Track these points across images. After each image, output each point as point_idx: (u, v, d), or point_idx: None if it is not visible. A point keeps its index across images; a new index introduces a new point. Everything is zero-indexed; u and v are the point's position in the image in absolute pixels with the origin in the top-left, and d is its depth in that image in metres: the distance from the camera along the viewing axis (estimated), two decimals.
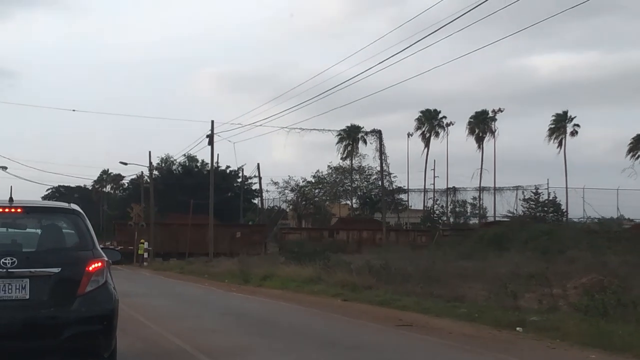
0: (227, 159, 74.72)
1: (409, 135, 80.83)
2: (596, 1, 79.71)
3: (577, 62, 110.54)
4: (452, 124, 79.99)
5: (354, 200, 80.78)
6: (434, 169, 78.93)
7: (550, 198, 60.74)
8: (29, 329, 8.29)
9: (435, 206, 78.29)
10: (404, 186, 79.82)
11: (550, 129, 76.20)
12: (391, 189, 76.00)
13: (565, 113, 75.64)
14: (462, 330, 15.45)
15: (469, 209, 79.59)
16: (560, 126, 75.54)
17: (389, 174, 74.61)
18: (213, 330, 15.19)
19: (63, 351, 8.31)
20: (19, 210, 9.29)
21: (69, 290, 8.51)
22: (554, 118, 76.28)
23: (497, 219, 68.60)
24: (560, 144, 75.45)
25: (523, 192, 65.48)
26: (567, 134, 75.45)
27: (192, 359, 11.47)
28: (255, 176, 75.95)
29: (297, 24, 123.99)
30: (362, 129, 77.19)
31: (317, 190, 79.40)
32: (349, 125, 77.74)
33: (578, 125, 75.60)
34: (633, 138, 73.96)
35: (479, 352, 12.94)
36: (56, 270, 8.51)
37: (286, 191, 78.19)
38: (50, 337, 8.28)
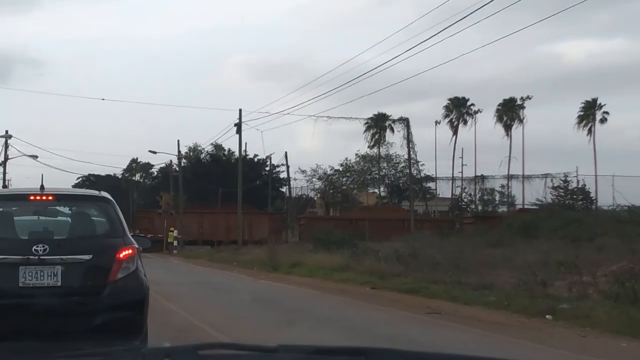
0: (254, 148, 74.65)
1: (437, 123, 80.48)
2: None
3: (606, 49, 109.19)
4: (480, 112, 79.48)
5: (381, 189, 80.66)
6: (462, 157, 78.41)
7: (580, 186, 60.18)
8: (61, 316, 8.38)
9: (464, 194, 78.01)
10: (432, 174, 79.51)
11: (579, 116, 75.41)
12: (419, 177, 75.63)
13: (595, 100, 74.85)
14: (491, 318, 15.41)
15: (497, 197, 79.14)
16: (589, 113, 74.73)
17: (417, 162, 74.29)
18: (242, 317, 15.28)
19: (94, 338, 8.38)
20: (50, 198, 9.39)
21: (100, 277, 8.59)
22: (583, 105, 75.47)
23: (525, 207, 68.09)
24: (589, 132, 74.73)
25: (552, 180, 64.67)
26: (597, 121, 74.75)
27: None
28: (283, 164, 75.98)
29: (324, 12, 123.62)
30: (390, 117, 76.93)
31: (344, 179, 79.31)
32: (376, 113, 77.52)
33: (607, 113, 74.83)
34: None
35: (508, 339, 12.90)
36: (87, 257, 8.59)
37: (314, 179, 78.22)
38: (81, 323, 8.35)
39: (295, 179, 78.07)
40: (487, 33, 74.95)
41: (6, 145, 61.33)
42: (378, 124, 77.66)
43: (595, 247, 27.72)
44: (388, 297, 19.90)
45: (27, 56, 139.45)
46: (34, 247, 8.44)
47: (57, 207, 9.94)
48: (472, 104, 79.63)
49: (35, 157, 59.97)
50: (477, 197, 78.05)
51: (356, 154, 79.29)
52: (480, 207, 75.15)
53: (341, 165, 78.45)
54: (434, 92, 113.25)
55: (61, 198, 9.76)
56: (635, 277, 16.10)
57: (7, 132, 60.89)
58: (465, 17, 25.78)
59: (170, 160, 66.99)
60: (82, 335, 8.29)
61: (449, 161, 79.21)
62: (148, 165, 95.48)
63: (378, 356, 3.04)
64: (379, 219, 56.72)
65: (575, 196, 57.20)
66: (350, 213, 66.97)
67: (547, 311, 15.23)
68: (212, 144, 72.69)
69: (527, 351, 12.12)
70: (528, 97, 76.99)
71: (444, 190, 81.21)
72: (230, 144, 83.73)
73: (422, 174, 77.55)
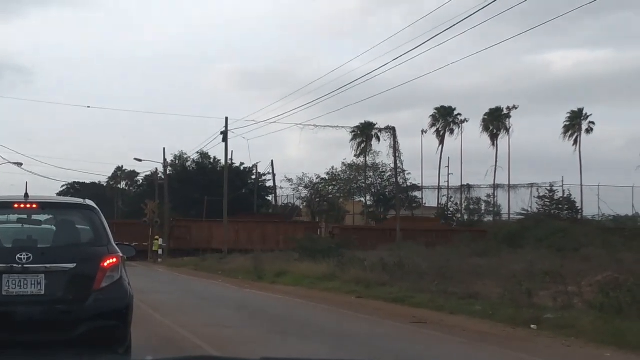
0: (241, 156, 74.71)
1: (423, 132, 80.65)
2: None
3: (592, 59, 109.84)
4: (467, 121, 79.68)
5: (367, 197, 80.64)
6: (448, 166, 78.64)
7: (565, 195, 60.49)
8: (44, 324, 8.32)
9: (449, 203, 78.14)
10: (418, 183, 79.55)
11: (565, 126, 75.68)
12: (405, 186, 75.67)
13: (581, 110, 75.14)
14: (476, 327, 15.42)
15: (483, 207, 79.29)
16: (575, 123, 75.02)
17: (403, 171, 74.31)
18: (227, 326, 15.21)
19: (78, 346, 8.32)
20: (34, 206, 9.34)
21: (84, 286, 8.54)
22: (569, 115, 75.76)
23: (511, 216, 68.28)
24: (575, 142, 75.00)
25: (538, 190, 64.99)
26: (583, 131, 75.04)
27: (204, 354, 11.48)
28: (269, 173, 76.08)
29: (311, 20, 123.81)
30: (376, 126, 76.90)
31: (331, 187, 79.25)
32: (363, 122, 77.50)
33: (593, 123, 75.13)
34: None
35: (493, 349, 12.91)
36: (71, 265, 8.54)
37: (300, 188, 78.14)
38: (65, 332, 8.29)
39: (281, 188, 78.20)
40: (474, 43, 75.32)
41: None
42: (364, 133, 77.70)
43: (580, 256, 27.82)
44: (373, 306, 19.89)
45: (13, 63, 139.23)
46: (18, 255, 8.38)
47: (42, 215, 9.88)
48: (459, 114, 79.97)
49: (20, 164, 59.55)
50: (463, 206, 78.20)
51: (342, 163, 79.34)
52: (466, 217, 75.23)
53: (327, 174, 78.49)
54: (421, 102, 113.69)
55: (46, 206, 9.71)
56: (620, 287, 16.15)
57: None
58: (451, 26, 25.87)
59: (156, 168, 66.94)
60: (65, 345, 8.23)
61: (435, 170, 79.51)
62: (133, 173, 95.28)
63: None
64: (415, 229, 56.30)
65: (560, 206, 57.48)
66: (383, 223, 67.16)
67: (532, 321, 15.26)
68: (198, 152, 72.63)
69: None
70: (514, 107, 77.32)
71: (430, 200, 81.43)
72: (217, 152, 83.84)
73: (409, 183, 77.67)
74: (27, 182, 9.64)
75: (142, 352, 10.26)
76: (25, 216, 9.79)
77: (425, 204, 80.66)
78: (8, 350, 8.03)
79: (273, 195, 78.72)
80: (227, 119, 51.97)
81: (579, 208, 61.32)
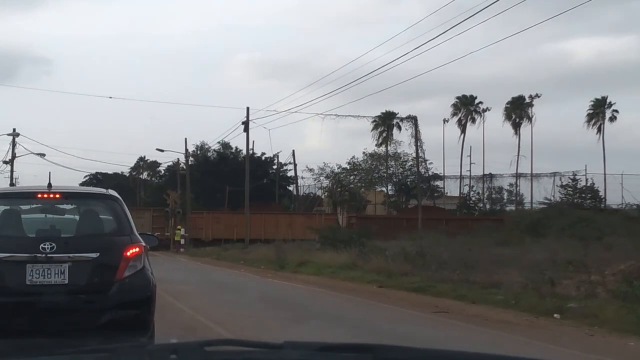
0: (262, 146, 74.48)
1: (445, 121, 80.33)
2: None
3: (616, 47, 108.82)
4: (489, 110, 79.17)
5: (389, 187, 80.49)
6: (470, 155, 78.27)
7: (588, 184, 60.21)
8: (68, 314, 8.37)
9: (472, 193, 77.87)
10: (440, 173, 79.35)
11: (588, 115, 75.15)
12: (427, 175, 75.43)
13: (605, 99, 74.51)
14: (498, 317, 15.37)
15: (505, 196, 78.96)
16: (598, 112, 74.42)
17: (425, 160, 74.11)
18: (248, 315, 15.27)
19: (101, 336, 8.36)
20: (57, 195, 9.37)
21: (107, 276, 8.59)
22: (592, 103, 75.19)
23: (534, 205, 67.97)
24: (599, 130, 74.45)
25: (560, 179, 64.68)
26: (606, 120, 74.47)
27: None
28: (290, 163, 76.04)
29: (331, 10, 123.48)
30: (397, 115, 76.70)
31: (352, 177, 79.12)
32: (384, 111, 77.31)
33: (617, 111, 74.49)
34: None
35: (516, 338, 12.87)
36: (94, 255, 8.58)
37: (321, 178, 78.09)
38: (88, 321, 8.35)
39: (302, 178, 78.14)
40: (495, 31, 74.88)
41: (13, 144, 61.48)
42: (386, 122, 77.52)
43: (603, 245, 27.64)
44: (395, 295, 19.87)
45: (34, 54, 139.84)
46: (41, 245, 8.43)
47: (65, 205, 9.92)
48: (480, 102, 79.55)
49: (42, 155, 60.03)
50: (485, 195, 77.91)
51: (364, 152, 79.16)
52: (488, 206, 74.97)
53: (349, 163, 78.31)
54: (442, 90, 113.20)
55: (69, 196, 9.75)
56: None
57: (14, 130, 61.01)
58: (472, 15, 25.74)
59: (178, 159, 67.09)
60: (88, 334, 8.28)
61: (457, 159, 79.17)
62: (155, 164, 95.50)
63: (385, 353, 3.00)
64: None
65: (583, 195, 57.22)
66: (405, 212, 66.80)
67: (555, 310, 15.19)
68: (219, 142, 72.71)
69: (535, 350, 12.09)
70: (537, 95, 76.82)
71: (452, 189, 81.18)
72: (238, 142, 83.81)
73: (430, 173, 77.45)
74: (49, 173, 9.68)
75: (165, 340, 10.30)
76: (48, 206, 9.83)
77: (447, 193, 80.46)
78: (32, 339, 8.09)
79: (294, 185, 78.73)
80: (248, 108, 51.98)
81: (602, 197, 61.02)
